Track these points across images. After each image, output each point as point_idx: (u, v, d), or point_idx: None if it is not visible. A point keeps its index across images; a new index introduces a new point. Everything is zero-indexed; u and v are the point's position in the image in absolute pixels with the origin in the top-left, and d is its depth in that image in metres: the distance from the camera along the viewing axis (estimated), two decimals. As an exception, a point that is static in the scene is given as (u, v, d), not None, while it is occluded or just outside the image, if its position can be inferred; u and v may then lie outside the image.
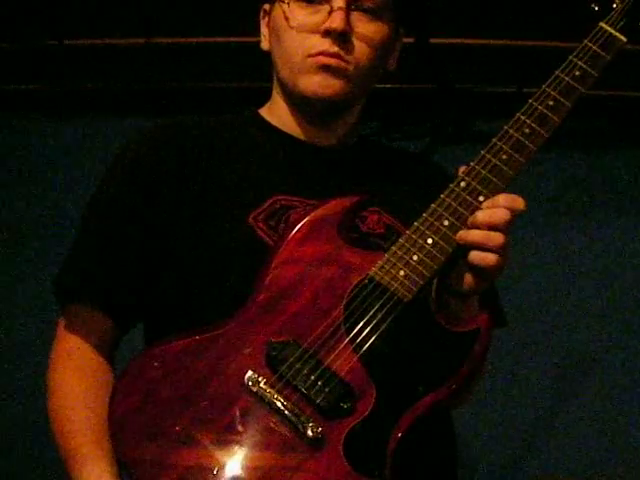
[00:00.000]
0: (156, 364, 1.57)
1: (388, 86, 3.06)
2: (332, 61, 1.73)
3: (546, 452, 3.16)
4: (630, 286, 3.25)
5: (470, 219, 1.59)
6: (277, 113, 1.85)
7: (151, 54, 3.26)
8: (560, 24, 3.02)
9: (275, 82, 1.85)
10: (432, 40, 3.19)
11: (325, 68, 1.73)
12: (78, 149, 3.38)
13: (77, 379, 1.72)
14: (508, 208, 1.58)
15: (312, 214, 1.67)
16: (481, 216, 1.58)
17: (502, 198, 1.60)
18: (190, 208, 1.73)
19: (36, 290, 3.12)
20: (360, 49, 1.74)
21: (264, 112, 1.88)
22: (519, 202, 1.60)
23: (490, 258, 1.57)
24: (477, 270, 1.59)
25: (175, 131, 1.82)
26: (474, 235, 1.58)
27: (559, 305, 3.27)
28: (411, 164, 1.97)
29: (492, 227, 1.57)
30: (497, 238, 1.57)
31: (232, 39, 3.21)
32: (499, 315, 1.86)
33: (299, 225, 1.66)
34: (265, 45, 1.85)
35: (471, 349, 1.57)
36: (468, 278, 1.61)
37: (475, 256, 1.58)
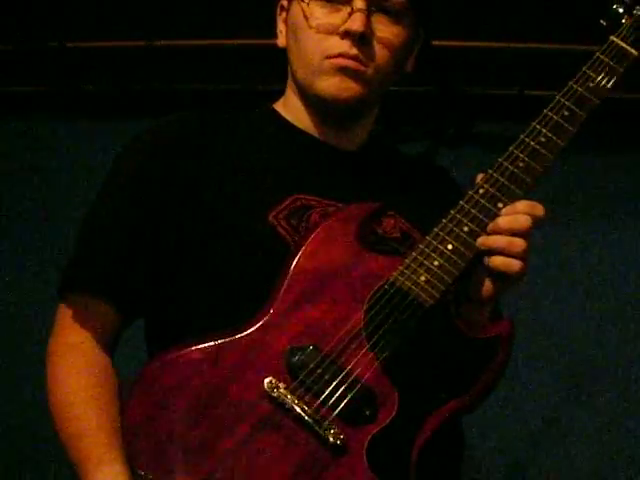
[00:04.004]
0: (172, 370, 1.53)
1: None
2: (351, 63, 1.70)
3: (552, 457, 3.16)
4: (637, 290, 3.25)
5: (491, 225, 1.59)
6: (292, 110, 1.82)
7: (152, 56, 3.25)
8: (561, 27, 3.03)
9: (290, 80, 1.82)
10: (433, 42, 3.18)
11: (343, 70, 1.70)
12: (80, 151, 3.36)
13: (81, 375, 1.64)
14: (528, 215, 1.59)
15: (332, 218, 1.65)
16: (503, 222, 1.58)
17: (522, 205, 1.60)
18: (208, 203, 1.69)
19: (38, 287, 3.11)
20: (380, 52, 1.72)
21: (279, 108, 1.85)
22: (539, 209, 1.60)
23: (514, 264, 1.57)
24: (498, 276, 1.59)
25: (191, 125, 1.77)
26: (497, 240, 1.58)
27: (561, 307, 3.26)
28: (421, 170, 1.96)
29: (514, 233, 1.57)
30: (520, 244, 1.57)
31: (233, 41, 3.20)
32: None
33: (319, 229, 1.63)
34: (281, 42, 1.81)
35: (493, 357, 1.57)
36: (487, 284, 1.60)
37: (498, 261, 1.57)
